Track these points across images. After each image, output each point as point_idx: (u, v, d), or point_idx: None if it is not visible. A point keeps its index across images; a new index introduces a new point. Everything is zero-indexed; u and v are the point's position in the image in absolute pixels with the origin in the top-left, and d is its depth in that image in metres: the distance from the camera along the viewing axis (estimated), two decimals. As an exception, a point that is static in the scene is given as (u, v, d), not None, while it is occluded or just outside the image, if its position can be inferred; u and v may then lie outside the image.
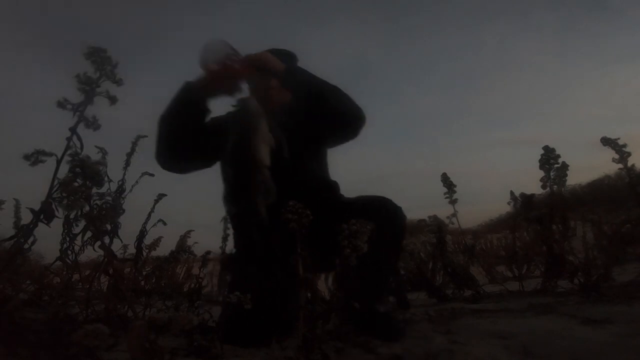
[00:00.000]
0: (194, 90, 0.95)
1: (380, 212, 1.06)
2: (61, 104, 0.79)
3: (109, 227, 1.03)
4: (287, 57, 1.20)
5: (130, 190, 1.33)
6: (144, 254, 1.59)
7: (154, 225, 1.55)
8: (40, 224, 0.81)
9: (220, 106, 1.01)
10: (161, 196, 1.57)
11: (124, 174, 1.32)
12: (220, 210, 1.20)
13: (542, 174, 1.47)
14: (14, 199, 1.26)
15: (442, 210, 1.81)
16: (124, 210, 1.19)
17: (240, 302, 0.69)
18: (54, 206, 0.79)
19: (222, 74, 0.90)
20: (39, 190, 0.80)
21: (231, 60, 0.90)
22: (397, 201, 1.14)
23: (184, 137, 0.96)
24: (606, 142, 1.40)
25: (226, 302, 0.81)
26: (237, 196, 0.85)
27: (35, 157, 0.76)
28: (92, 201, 0.76)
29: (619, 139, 1.40)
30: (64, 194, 0.75)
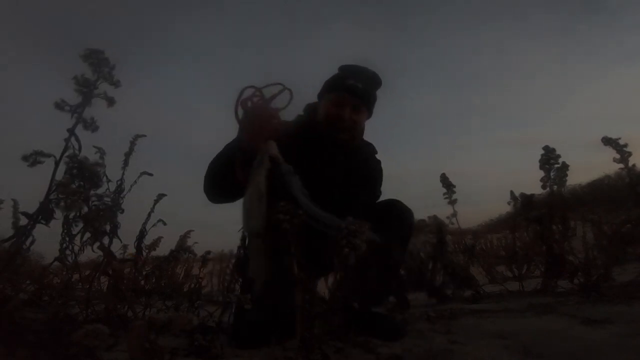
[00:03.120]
0: (236, 151, 0.94)
1: (390, 212, 1.10)
2: (59, 106, 0.79)
3: (107, 227, 1.03)
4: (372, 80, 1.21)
5: (129, 190, 1.33)
6: (144, 254, 1.59)
7: (154, 225, 1.55)
8: (39, 224, 0.81)
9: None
10: (161, 196, 1.58)
11: (123, 174, 1.32)
12: (220, 210, 1.20)
13: (542, 174, 1.47)
14: (12, 199, 1.25)
15: (442, 210, 1.81)
16: (123, 210, 1.19)
17: (260, 303, 0.68)
18: (52, 207, 0.79)
19: (256, 137, 0.86)
20: (38, 190, 0.80)
21: (262, 116, 0.86)
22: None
23: (227, 186, 1.01)
24: (607, 142, 1.40)
25: (240, 304, 0.81)
26: None
27: (33, 158, 0.76)
28: (90, 202, 0.76)
29: (619, 138, 1.40)
30: (61, 195, 0.75)
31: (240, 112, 0.88)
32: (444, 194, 1.78)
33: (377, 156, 1.30)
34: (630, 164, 1.39)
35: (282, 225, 0.59)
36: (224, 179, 0.99)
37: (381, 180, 1.28)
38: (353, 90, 1.15)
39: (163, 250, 1.74)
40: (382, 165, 1.30)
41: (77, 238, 0.94)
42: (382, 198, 1.24)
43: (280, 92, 0.89)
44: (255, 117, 0.86)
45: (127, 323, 0.97)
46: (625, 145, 1.39)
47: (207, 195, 1.07)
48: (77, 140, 0.80)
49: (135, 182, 1.36)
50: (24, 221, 0.83)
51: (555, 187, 1.47)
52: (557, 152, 1.45)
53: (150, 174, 1.41)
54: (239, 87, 0.88)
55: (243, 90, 0.87)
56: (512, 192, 1.74)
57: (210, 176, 1.04)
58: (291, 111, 1.26)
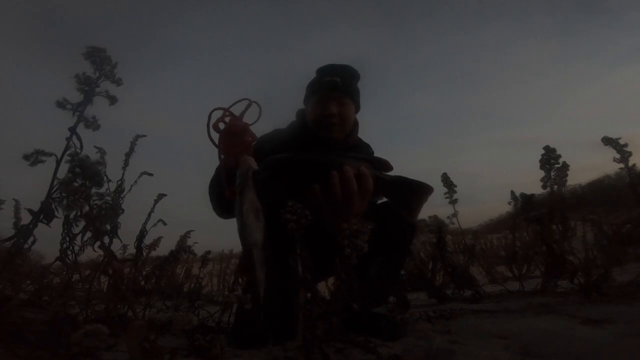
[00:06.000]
0: (221, 171, 0.95)
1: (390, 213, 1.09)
2: (61, 104, 0.79)
3: (108, 227, 1.03)
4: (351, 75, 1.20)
5: (130, 190, 1.33)
6: (144, 254, 1.59)
7: (154, 225, 1.55)
8: (40, 224, 0.81)
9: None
10: (161, 196, 1.57)
11: (123, 174, 1.32)
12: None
13: (542, 174, 1.48)
14: (14, 199, 1.26)
15: (442, 210, 1.81)
16: (123, 210, 1.19)
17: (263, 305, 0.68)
18: (53, 206, 0.79)
19: (233, 155, 0.87)
20: (39, 190, 0.80)
21: (235, 133, 0.87)
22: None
23: (223, 205, 1.04)
24: (607, 142, 1.40)
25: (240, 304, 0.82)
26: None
27: (34, 157, 0.76)
28: (91, 201, 0.76)
29: (619, 138, 1.40)
30: (63, 194, 0.75)
31: (214, 134, 0.89)
32: (445, 193, 1.79)
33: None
34: (630, 164, 1.39)
35: (289, 225, 0.59)
36: (219, 198, 1.02)
37: None
38: (332, 86, 1.16)
39: (163, 250, 1.74)
40: None
41: (78, 238, 0.94)
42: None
43: (248, 106, 0.90)
44: (229, 136, 0.88)
45: (127, 323, 0.97)
46: (625, 145, 1.39)
47: (218, 215, 1.11)
48: (79, 138, 0.81)
49: (136, 182, 1.36)
50: (25, 220, 0.83)
51: (555, 187, 1.47)
52: (557, 152, 1.45)
53: (151, 174, 1.41)
54: (209, 109, 0.89)
55: (211, 113, 0.88)
56: (512, 192, 1.74)
57: (210, 199, 1.09)
58: (285, 118, 1.27)
